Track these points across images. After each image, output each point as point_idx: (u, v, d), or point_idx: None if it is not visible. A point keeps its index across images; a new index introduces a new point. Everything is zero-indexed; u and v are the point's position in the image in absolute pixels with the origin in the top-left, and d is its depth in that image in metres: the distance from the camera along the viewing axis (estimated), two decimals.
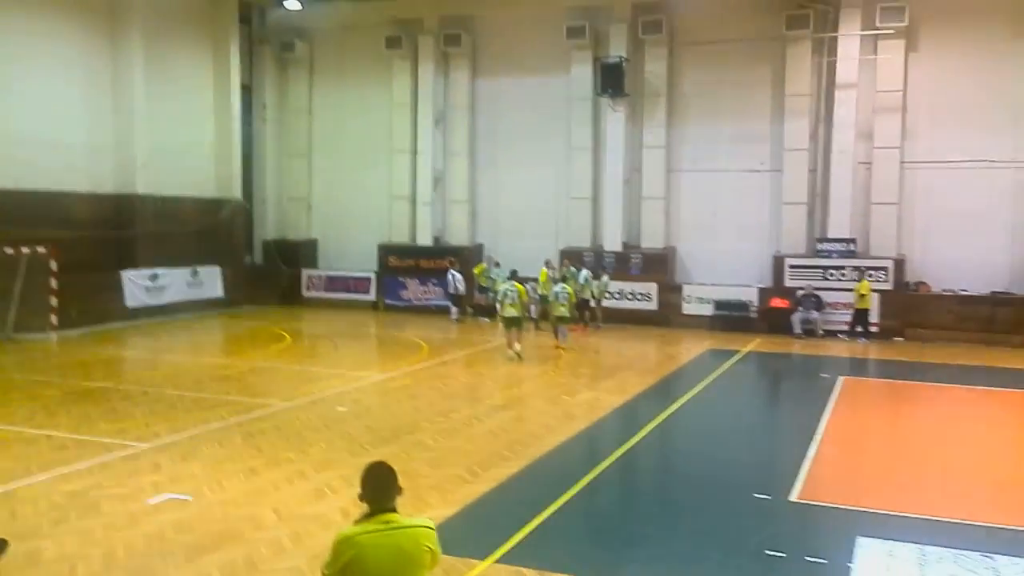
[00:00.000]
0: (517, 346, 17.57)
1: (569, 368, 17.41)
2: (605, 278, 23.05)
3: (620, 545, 7.90)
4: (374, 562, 4.02)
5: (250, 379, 15.62)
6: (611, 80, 23.51)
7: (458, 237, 26.29)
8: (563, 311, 19.53)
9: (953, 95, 21.57)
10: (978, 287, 21.20)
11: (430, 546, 4.15)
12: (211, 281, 25.21)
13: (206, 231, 25.14)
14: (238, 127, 26.50)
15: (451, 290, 24.26)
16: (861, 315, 21.04)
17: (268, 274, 27.42)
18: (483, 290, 24.09)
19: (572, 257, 23.80)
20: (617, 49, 23.82)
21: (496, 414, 13.03)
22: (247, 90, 27.60)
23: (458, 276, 24.22)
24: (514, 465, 10.15)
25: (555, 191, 25.13)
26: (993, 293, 21.08)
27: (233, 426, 11.85)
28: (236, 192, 26.39)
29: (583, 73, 24.37)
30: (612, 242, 24.38)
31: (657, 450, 11.82)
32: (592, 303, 22.70)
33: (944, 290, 21.49)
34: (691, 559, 7.59)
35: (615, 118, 24.23)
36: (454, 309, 24.15)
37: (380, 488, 4.14)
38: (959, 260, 21.41)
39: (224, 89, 25.99)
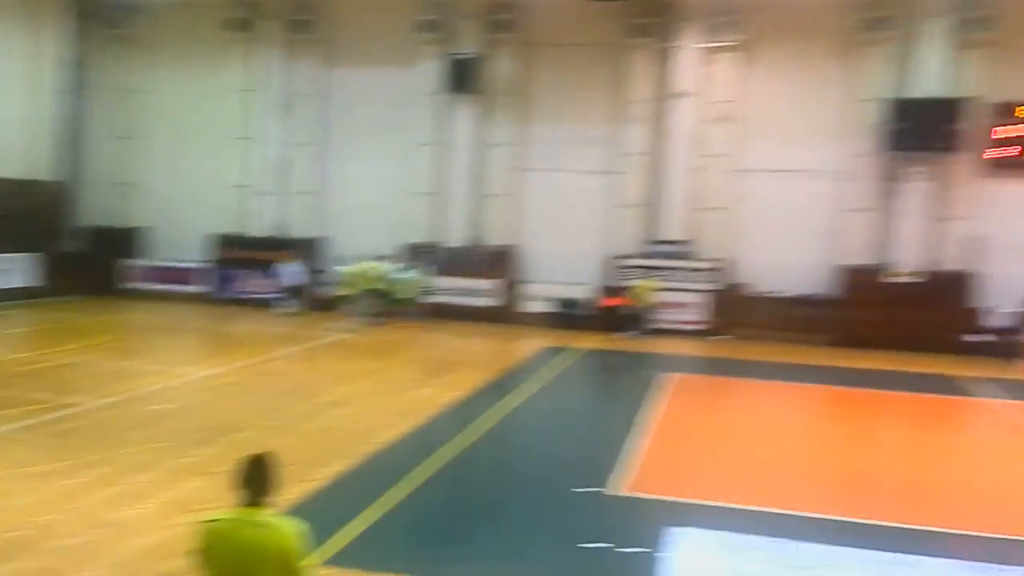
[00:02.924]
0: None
1: (406, 364, 17.26)
2: (413, 273, 22.88)
3: (446, 543, 7.86)
4: (218, 554, 3.93)
5: (60, 375, 14.55)
6: (462, 77, 23.51)
7: (301, 229, 25.55)
8: (407, 293, 21.19)
9: (777, 108, 22.86)
10: (795, 289, 22.59)
11: (277, 551, 3.98)
12: (19, 269, 23.33)
13: (15, 215, 23.21)
14: (55, 103, 24.62)
15: (288, 283, 23.55)
16: (638, 312, 21.93)
17: (88, 262, 25.64)
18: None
19: (414, 253, 23.71)
20: (468, 45, 23.84)
21: (328, 411, 12.72)
22: (78, 67, 25.67)
23: (296, 268, 23.56)
24: (344, 463, 9.92)
25: (401, 186, 24.84)
26: (807, 295, 22.49)
27: (37, 426, 10.98)
28: (52, 173, 24.53)
29: (432, 68, 24.22)
30: (456, 238, 24.40)
31: (489, 446, 11.86)
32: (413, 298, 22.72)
33: (765, 292, 22.77)
34: (514, 554, 7.65)
35: (464, 115, 24.25)
36: (290, 302, 23.46)
37: (253, 480, 4.07)
38: (780, 263, 22.72)
39: (38, 62, 24.09)
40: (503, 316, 23.55)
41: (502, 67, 24.18)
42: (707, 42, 22.77)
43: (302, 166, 25.59)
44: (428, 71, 24.29)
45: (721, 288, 22.72)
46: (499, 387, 15.41)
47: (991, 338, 20.69)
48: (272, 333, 20.57)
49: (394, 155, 24.87)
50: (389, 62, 24.98)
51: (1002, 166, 21.44)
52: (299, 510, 8.21)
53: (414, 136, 24.62)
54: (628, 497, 9.31)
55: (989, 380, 17.85)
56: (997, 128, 21.29)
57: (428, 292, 23.28)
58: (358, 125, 25.30)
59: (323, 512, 8.40)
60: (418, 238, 24.49)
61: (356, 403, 13.53)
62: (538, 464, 10.72)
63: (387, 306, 22.52)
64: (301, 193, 25.62)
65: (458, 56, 23.65)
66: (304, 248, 24.74)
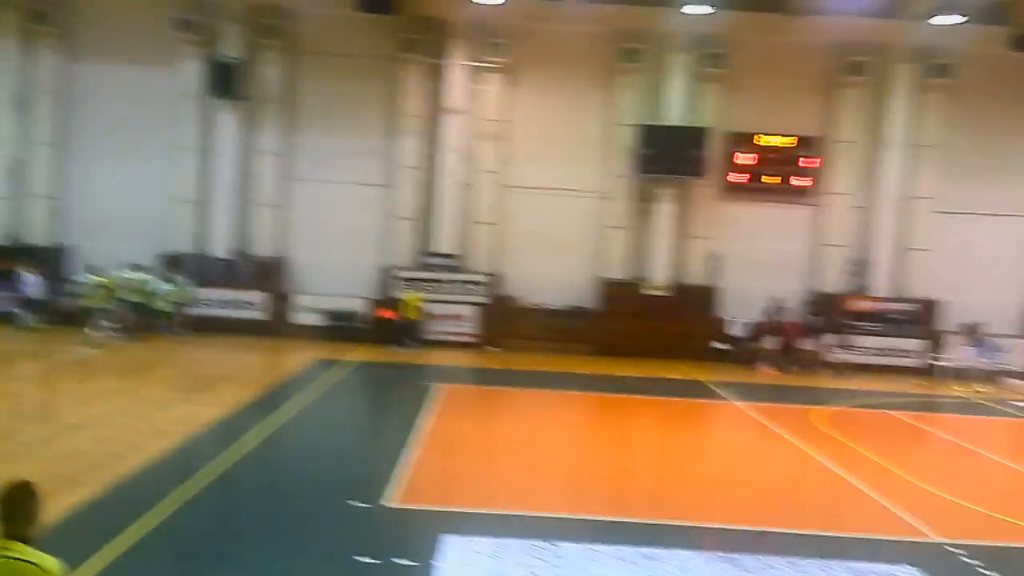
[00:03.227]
0: None
1: (163, 381, 16.21)
2: (172, 284, 21.72)
3: (209, 567, 7.43)
4: None
5: None
6: (224, 81, 22.50)
7: (38, 236, 23.27)
8: (163, 305, 20.39)
9: (544, 128, 23.87)
10: (559, 301, 23.61)
11: None
12: None
13: None
14: None
15: (27, 293, 21.35)
16: (408, 325, 22.13)
17: None
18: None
19: (175, 262, 22.36)
20: (231, 49, 22.88)
21: (71, 434, 11.63)
22: None
23: (34, 279, 21.42)
24: (90, 490, 9.09)
25: (160, 191, 23.27)
26: (570, 307, 23.62)
27: None
28: None
29: (192, 69, 22.98)
30: (220, 247, 23.28)
31: (256, 465, 11.37)
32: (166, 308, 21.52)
33: (532, 304, 23.62)
34: (284, 573, 7.36)
35: (228, 120, 23.23)
36: (28, 316, 21.28)
37: (10, 510, 3.83)
38: (545, 276, 23.67)
39: None
40: (272, 329, 22.74)
41: (268, 73, 23.42)
42: (476, 61, 23.34)
43: (43, 167, 23.37)
44: (189, 72, 23.03)
45: (491, 300, 23.30)
46: (267, 403, 14.83)
47: (733, 346, 22.79)
48: (8, 349, 18.55)
49: (150, 158, 23.32)
50: (143, 60, 23.40)
51: (738, 190, 23.68)
52: (37, 545, 7.47)
53: (173, 139, 23.24)
54: (401, 509, 9.27)
55: (731, 384, 19.59)
56: (737, 154, 23.49)
57: (189, 304, 22.01)
58: (106, 125, 23.39)
59: (63, 545, 7.66)
60: (179, 247, 23.10)
61: (105, 424, 12.45)
62: (308, 480, 10.41)
63: (143, 319, 21.05)
64: (41, 197, 23.38)
65: (221, 59, 22.62)
66: (44, 257, 22.54)
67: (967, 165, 23.41)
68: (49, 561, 3.85)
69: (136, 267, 21.47)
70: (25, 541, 3.82)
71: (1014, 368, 21.55)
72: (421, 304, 22.25)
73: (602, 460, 12.45)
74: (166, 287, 21.38)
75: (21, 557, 3.76)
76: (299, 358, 19.81)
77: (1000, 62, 23.22)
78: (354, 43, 23.70)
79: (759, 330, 22.43)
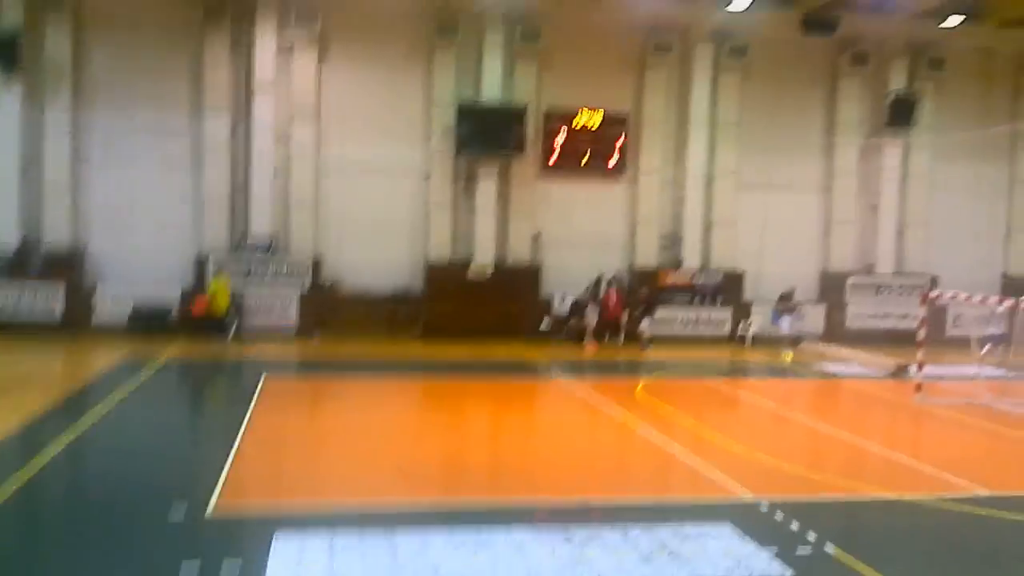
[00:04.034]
0: None
1: None
2: None
3: None
4: None
5: None
6: (4, 54, 20.48)
7: None
8: None
9: (361, 106, 23.30)
10: (383, 286, 23.28)
11: None
12: None
13: None
14: None
15: None
16: (217, 315, 21.08)
17: None
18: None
19: None
20: (9, 17, 20.79)
21: None
22: None
23: None
24: None
25: None
26: (395, 291, 23.34)
27: None
28: None
29: None
30: (5, 236, 21.24)
31: (63, 476, 10.48)
32: None
33: (355, 289, 23.14)
34: None
35: (9, 97, 21.19)
36: None
37: None
38: (368, 261, 23.24)
39: None
40: (71, 327, 21.04)
41: (53, 44, 21.48)
42: (284, 34, 22.41)
43: None
44: None
45: (312, 287, 22.62)
46: (70, 408, 13.70)
47: (557, 324, 23.31)
48: None
49: None
50: None
51: (556, 168, 24.16)
52: None
53: None
54: (227, 511, 8.81)
55: (556, 361, 20.06)
56: (553, 132, 23.91)
57: None
58: None
59: None
60: None
61: None
62: (123, 490, 9.66)
63: None
64: None
65: None
66: None
67: (763, 142, 25.05)
68: None
69: None
70: None
71: (815, 333, 23.32)
72: (230, 292, 21.18)
73: (431, 445, 12.40)
74: None
75: None
76: (105, 358, 18.42)
77: (789, 44, 24.91)
78: (152, 12, 22.21)
79: (580, 307, 23.03)
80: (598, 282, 23.32)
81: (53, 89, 21.58)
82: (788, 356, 21.53)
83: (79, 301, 21.44)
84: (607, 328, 22.91)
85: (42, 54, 21.43)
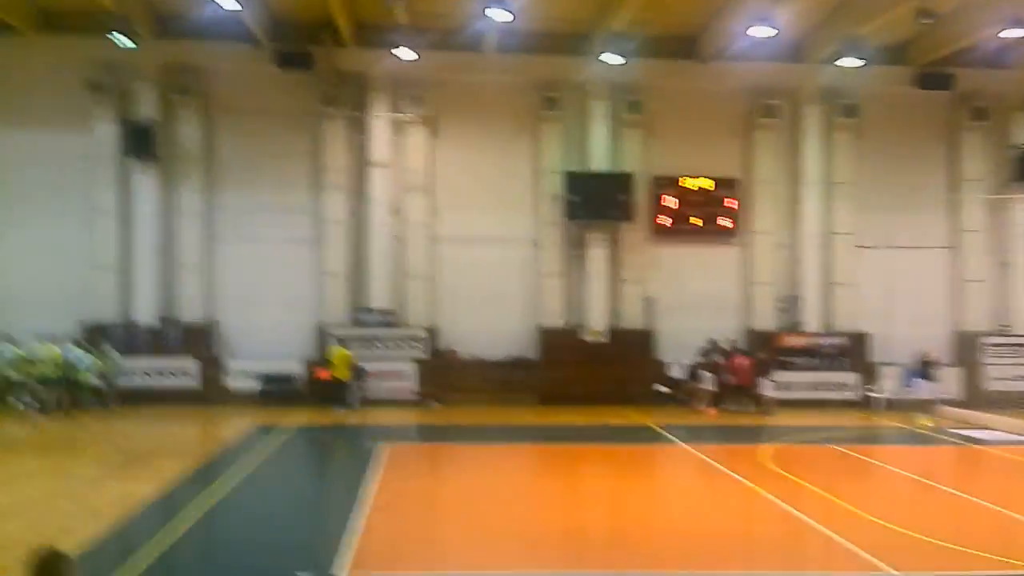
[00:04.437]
0: None
1: (91, 459, 15.39)
2: (95, 355, 20.80)
3: None
4: None
5: None
6: (139, 142, 22.07)
7: None
8: (87, 378, 20.10)
9: (471, 178, 23.94)
10: (498, 352, 23.47)
11: None
12: None
13: None
14: None
15: None
16: (339, 384, 21.35)
17: None
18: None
19: (97, 332, 21.52)
20: (146, 109, 22.46)
21: None
22: None
23: None
24: None
25: (78, 258, 22.46)
26: (510, 358, 23.49)
27: None
28: None
29: (107, 131, 22.45)
30: (145, 314, 22.53)
31: (198, 541, 10.84)
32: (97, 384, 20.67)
33: (471, 356, 23.42)
34: None
35: (145, 182, 22.71)
36: None
37: None
38: (483, 328, 23.54)
39: None
40: (205, 397, 22.03)
41: (186, 133, 23.01)
42: (397, 113, 23.30)
43: None
44: (102, 135, 22.49)
45: (429, 355, 23.02)
46: (205, 475, 14.22)
47: (672, 389, 22.93)
48: None
49: (69, 224, 22.57)
50: (56, 123, 22.77)
51: (666, 233, 24.07)
52: None
53: (91, 204, 22.55)
54: None
55: (675, 426, 19.64)
56: (662, 197, 23.90)
57: (115, 376, 21.15)
58: (21, 191, 22.72)
59: None
60: (101, 316, 22.26)
61: (28, 510, 11.70)
62: (255, 554, 9.94)
63: (65, 394, 20.12)
64: None
65: (136, 120, 22.17)
66: None
67: (881, 200, 24.36)
68: None
69: (53, 339, 20.49)
70: None
71: (948, 397, 22.08)
72: (352, 361, 21.74)
73: (552, 512, 12.26)
74: (87, 359, 20.46)
75: None
76: (236, 426, 19.15)
77: (902, 99, 24.36)
78: (274, 99, 23.50)
79: (697, 370, 22.60)
80: (712, 346, 22.86)
81: (185, 173, 23.04)
82: (928, 421, 20.46)
83: (212, 373, 22.42)
84: (738, 392, 22.28)
85: (176, 141, 22.95)
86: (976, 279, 24.60)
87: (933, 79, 23.71)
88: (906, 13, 17.94)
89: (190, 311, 22.90)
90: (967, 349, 24.13)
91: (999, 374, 23.89)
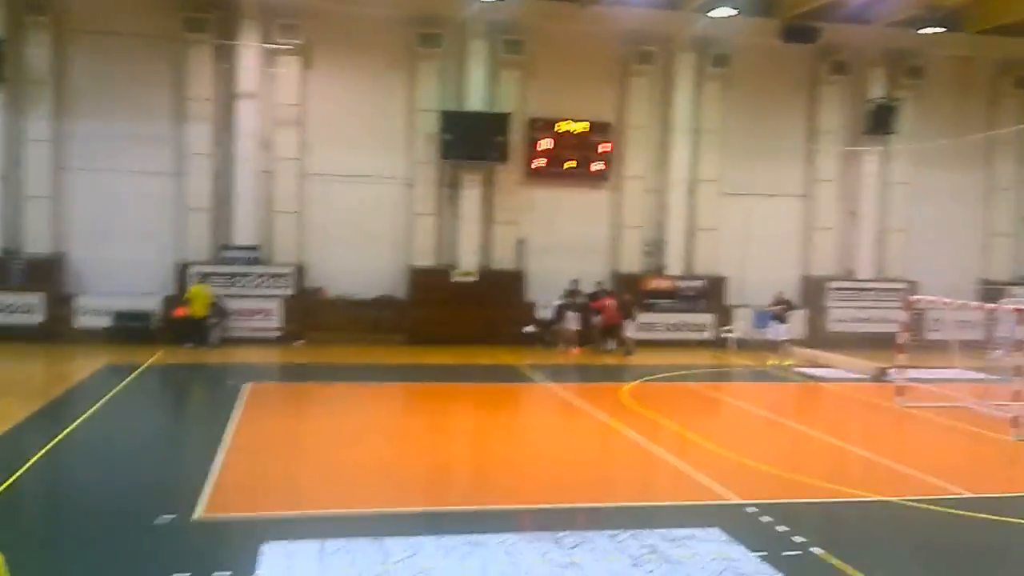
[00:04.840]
0: None
1: None
2: None
3: None
4: None
5: None
6: None
7: None
8: None
9: (344, 114, 23.31)
10: (368, 291, 23.27)
11: None
12: None
13: None
14: None
15: None
16: (197, 321, 20.91)
17: None
18: None
19: None
20: None
21: None
22: None
23: None
24: None
25: None
26: (379, 297, 23.33)
27: None
28: None
29: None
30: None
31: (46, 482, 10.43)
32: None
33: (339, 294, 23.11)
34: None
35: None
36: None
37: None
38: (352, 266, 23.23)
39: None
40: (53, 334, 20.88)
41: (36, 53, 21.36)
42: (268, 43, 22.35)
43: None
44: None
45: (295, 293, 22.56)
46: (52, 415, 13.61)
47: (540, 329, 23.34)
48: None
49: None
50: None
51: (540, 175, 24.25)
52: None
53: None
54: (215, 519, 8.78)
55: (541, 366, 20.08)
56: (537, 140, 23.99)
57: None
58: None
59: None
60: None
61: None
62: (109, 497, 9.62)
63: None
64: None
65: None
66: None
67: (745, 149, 25.23)
68: None
69: None
70: None
71: (796, 337, 23.36)
72: (210, 299, 21.06)
73: (418, 451, 12.39)
74: None
75: None
76: (85, 364, 18.27)
77: (770, 51, 25.13)
78: (134, 22, 22.04)
79: (562, 311, 23.06)
80: (575, 287, 23.35)
81: (34, 98, 21.44)
82: (780, 360, 21.65)
83: (60, 310, 21.27)
84: (606, 334, 22.90)
85: (23, 63, 21.29)
86: (825, 227, 25.99)
87: (798, 32, 24.55)
88: None
89: (36, 244, 21.55)
90: (814, 292, 25.59)
91: (841, 316, 25.52)
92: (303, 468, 11.17)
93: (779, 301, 22.59)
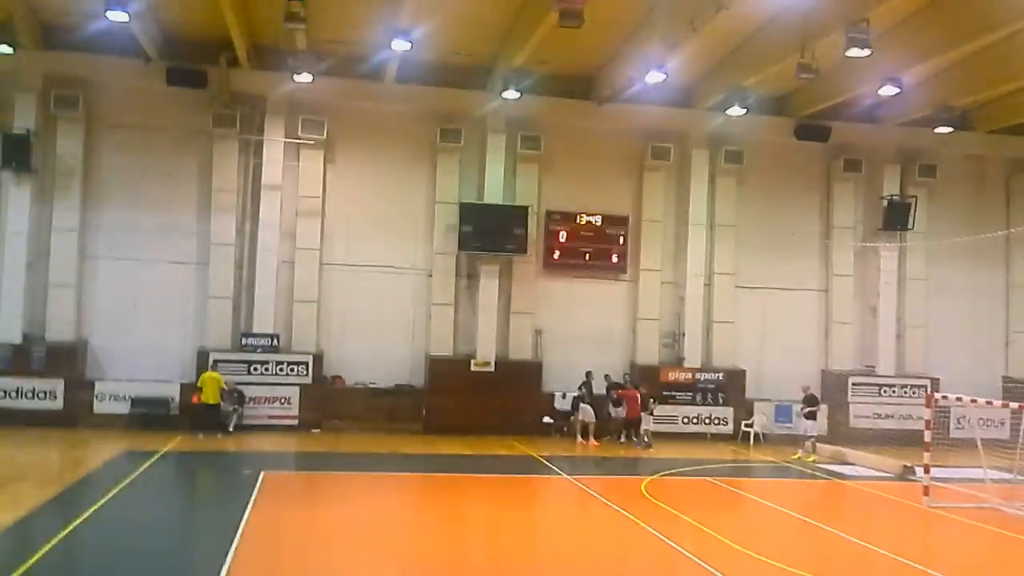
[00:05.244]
0: None
1: None
2: None
3: None
4: None
5: None
6: (16, 154, 21.03)
7: None
8: None
9: (365, 205, 23.75)
10: (385, 380, 23.27)
11: None
12: None
13: None
14: None
15: None
16: (213, 410, 20.84)
17: None
18: None
19: None
20: (24, 120, 21.40)
21: None
22: None
23: None
24: None
25: None
26: (396, 386, 23.32)
27: None
28: None
29: None
30: (10, 333, 21.29)
31: (59, 571, 10.29)
32: None
33: (357, 383, 23.12)
34: None
35: (19, 195, 21.59)
36: None
37: None
38: (370, 355, 23.30)
39: None
40: (72, 419, 20.93)
41: (66, 146, 22.00)
42: (293, 138, 22.97)
43: None
44: None
45: (313, 381, 22.58)
46: (69, 502, 13.52)
47: (558, 420, 23.16)
48: None
49: None
50: None
51: (557, 267, 24.47)
52: None
53: None
54: None
55: (559, 457, 19.86)
56: (555, 232, 24.30)
57: None
58: None
59: None
60: None
61: None
62: None
63: None
64: None
65: (13, 132, 21.11)
66: None
67: (760, 243, 25.43)
68: None
69: None
70: None
71: (817, 433, 22.96)
72: (221, 384, 21.04)
73: (434, 543, 12.19)
74: None
75: None
76: (104, 450, 18.26)
77: (783, 148, 25.58)
78: (162, 117, 22.77)
79: (578, 402, 22.89)
80: (589, 379, 23.24)
81: (62, 188, 21.98)
82: (804, 456, 21.26)
83: (79, 395, 21.35)
84: (629, 425, 22.66)
85: (53, 153, 21.93)
86: (844, 321, 25.91)
87: (811, 130, 25.06)
88: (788, 67, 18.83)
89: (60, 330, 21.76)
90: (834, 387, 25.31)
91: (862, 412, 25.16)
92: (317, 562, 10.99)
93: (808, 397, 22.31)
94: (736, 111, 22.72)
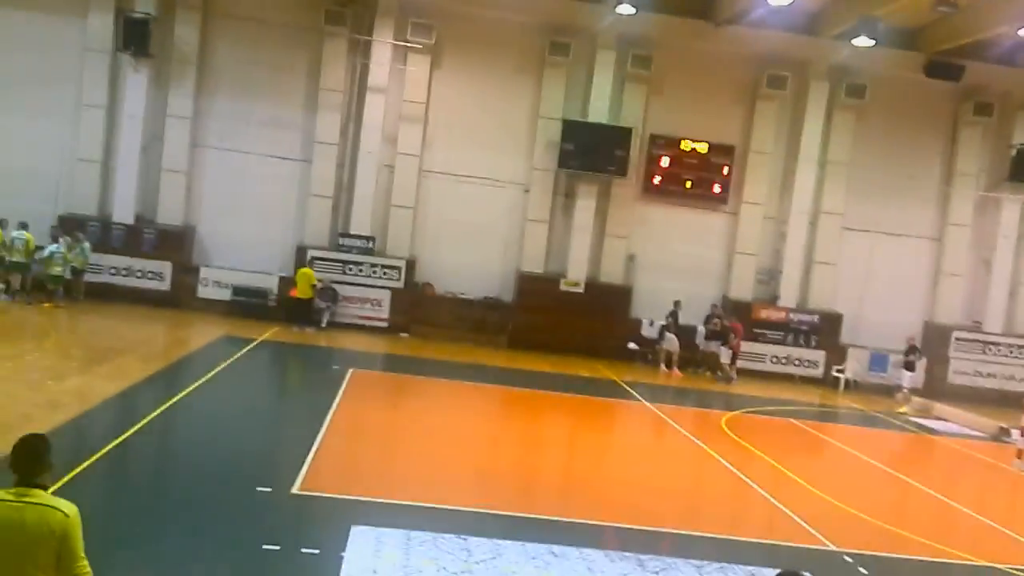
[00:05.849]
0: None
1: (56, 350, 15.40)
2: (66, 247, 20.22)
3: (104, 548, 7.01)
4: None
5: None
6: (135, 37, 21.50)
7: None
8: (59, 270, 19.49)
9: (468, 115, 23.63)
10: (474, 291, 23.52)
11: (59, 532, 3.92)
12: None
13: None
14: None
15: None
16: (301, 303, 21.46)
17: None
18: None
19: (74, 225, 21.26)
20: (145, 5, 21.87)
21: None
22: None
23: None
24: None
25: (60, 150, 22.09)
26: (485, 298, 23.55)
27: None
28: None
29: (103, 23, 21.87)
30: (123, 213, 22.28)
31: (156, 443, 10.94)
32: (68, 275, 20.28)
33: (447, 292, 23.44)
34: (183, 558, 7.09)
35: (137, 79, 22.23)
36: None
37: (25, 458, 4.04)
38: (461, 265, 23.51)
39: None
40: (175, 301, 21.92)
41: (183, 33, 22.43)
42: (402, 41, 22.89)
43: None
44: (97, 26, 21.86)
45: (404, 286, 23.00)
46: (170, 378, 14.29)
47: (643, 347, 23.06)
48: None
49: (53, 115, 22.10)
50: (51, 9, 22.15)
51: (657, 192, 23.98)
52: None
53: (78, 96, 22.03)
54: (308, 496, 9.03)
55: (642, 384, 19.83)
56: (657, 157, 23.75)
57: (85, 270, 20.92)
58: (6, 77, 21.89)
59: None
60: (80, 210, 21.98)
61: None
62: (213, 464, 10.03)
63: (33, 282, 19.98)
64: None
65: (134, 15, 21.60)
66: None
67: (873, 184, 24.31)
68: (68, 505, 4.05)
69: (23, 225, 20.16)
70: (43, 489, 4.05)
71: (914, 385, 22.29)
72: (313, 280, 21.59)
73: (511, 455, 12.43)
74: (59, 250, 20.11)
75: (44, 503, 3.98)
76: (204, 333, 19.15)
77: (909, 86, 24.14)
78: (277, 10, 22.97)
79: (664, 331, 22.68)
80: (675, 308, 22.89)
81: (178, 74, 22.55)
82: (900, 408, 20.75)
83: (185, 279, 22.31)
84: (715, 359, 22.41)
85: (171, 40, 22.43)
86: (954, 273, 24.73)
87: (942, 68, 23.50)
88: None
89: (169, 215, 22.64)
90: (936, 341, 24.35)
91: (963, 368, 24.20)
92: (396, 458, 11.37)
93: (911, 347, 21.55)
94: (863, 42, 21.36)
